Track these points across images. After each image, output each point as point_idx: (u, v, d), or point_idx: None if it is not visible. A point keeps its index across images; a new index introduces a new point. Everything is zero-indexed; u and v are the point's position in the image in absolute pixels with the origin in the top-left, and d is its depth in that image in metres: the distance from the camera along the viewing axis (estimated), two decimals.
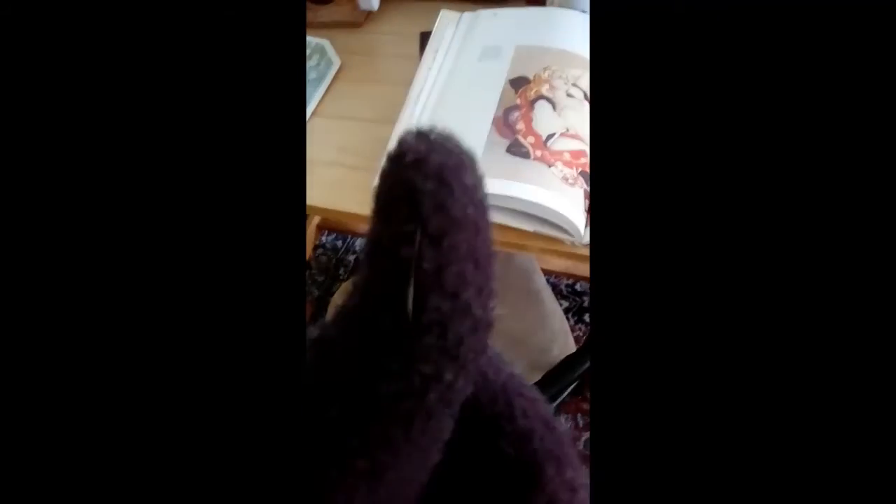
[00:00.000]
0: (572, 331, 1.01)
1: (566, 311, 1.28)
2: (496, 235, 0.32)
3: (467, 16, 0.78)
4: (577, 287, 1.39)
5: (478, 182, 0.20)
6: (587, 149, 0.63)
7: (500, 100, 0.68)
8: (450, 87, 0.71)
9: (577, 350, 0.85)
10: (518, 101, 0.67)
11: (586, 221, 0.60)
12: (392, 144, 0.18)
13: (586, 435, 1.02)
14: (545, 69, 0.69)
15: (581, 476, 0.32)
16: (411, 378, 0.21)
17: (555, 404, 0.70)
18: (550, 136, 0.65)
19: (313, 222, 1.59)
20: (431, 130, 0.19)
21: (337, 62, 0.84)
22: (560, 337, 0.80)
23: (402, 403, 0.21)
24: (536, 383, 0.69)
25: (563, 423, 0.31)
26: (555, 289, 1.30)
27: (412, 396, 0.22)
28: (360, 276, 0.23)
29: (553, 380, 0.69)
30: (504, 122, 0.66)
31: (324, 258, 1.60)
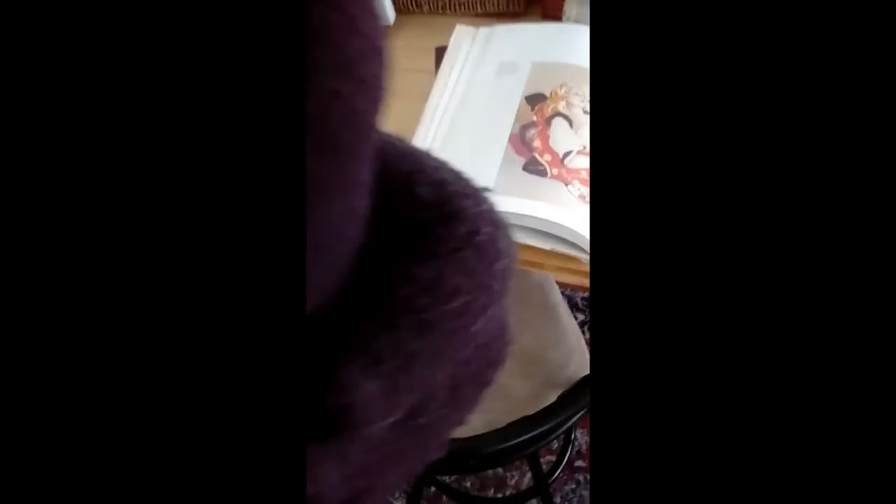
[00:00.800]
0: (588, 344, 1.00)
1: (581, 324, 1.27)
2: None
3: (483, 31, 0.78)
4: None
5: None
6: None
7: (517, 117, 0.67)
8: (466, 104, 0.71)
9: None
10: (534, 118, 0.67)
11: None
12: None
13: None
14: (562, 85, 0.68)
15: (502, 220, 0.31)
16: (310, 96, 0.20)
17: (572, 421, 0.70)
18: (567, 154, 0.64)
19: None
20: None
21: None
22: (576, 354, 0.79)
23: (312, 123, 0.21)
24: (554, 403, 0.69)
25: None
26: (570, 301, 1.29)
27: (315, 117, 0.21)
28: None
29: (572, 398, 0.68)
30: (520, 140, 0.66)
31: None
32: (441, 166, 0.34)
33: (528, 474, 1.18)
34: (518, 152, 0.65)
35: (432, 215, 0.31)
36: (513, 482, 1.21)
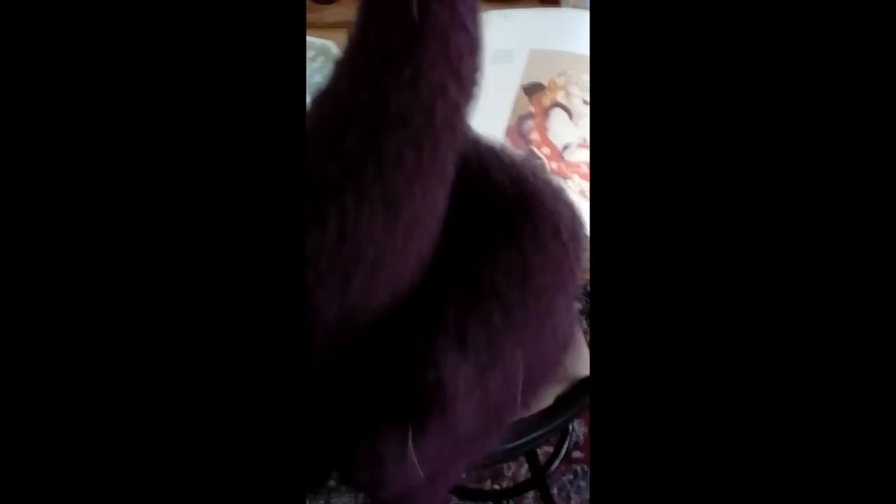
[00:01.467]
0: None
1: (581, 311, 1.26)
2: None
3: None
4: None
5: None
6: None
7: (514, 107, 0.65)
8: None
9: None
10: (532, 109, 0.64)
11: None
12: None
13: None
14: (561, 74, 0.66)
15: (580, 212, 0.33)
16: (420, 88, 0.22)
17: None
18: (566, 147, 0.62)
19: None
20: None
21: None
22: (575, 353, 0.77)
23: (412, 120, 0.22)
24: (553, 405, 0.67)
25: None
26: None
27: (421, 110, 0.22)
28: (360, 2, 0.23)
29: (571, 399, 0.67)
30: (518, 132, 0.63)
31: None
32: (514, 158, 0.34)
33: (526, 466, 1.17)
34: (515, 145, 0.62)
35: (511, 204, 0.31)
36: (510, 474, 1.20)
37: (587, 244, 0.32)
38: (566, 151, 0.61)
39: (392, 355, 0.28)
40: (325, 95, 0.25)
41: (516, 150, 0.37)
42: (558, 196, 0.33)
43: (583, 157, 0.61)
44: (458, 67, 0.23)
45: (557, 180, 0.34)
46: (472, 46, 0.24)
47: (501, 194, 0.32)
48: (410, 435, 0.27)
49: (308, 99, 0.78)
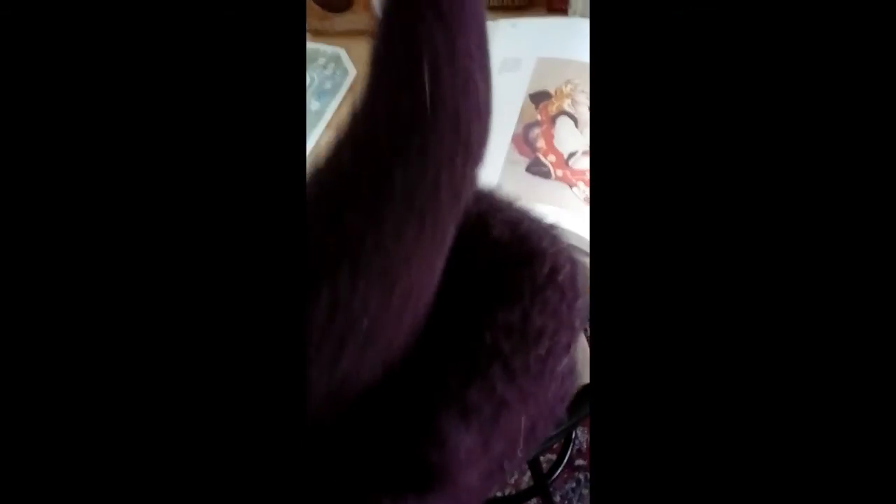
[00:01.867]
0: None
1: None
2: None
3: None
4: None
5: None
6: None
7: (520, 115, 0.65)
8: None
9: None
10: (539, 117, 0.65)
11: None
12: None
13: None
14: (567, 83, 0.66)
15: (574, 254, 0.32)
16: (426, 162, 0.21)
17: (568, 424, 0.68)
18: (572, 155, 0.62)
19: None
20: None
21: (353, 72, 0.82)
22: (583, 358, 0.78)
23: (416, 193, 0.21)
24: None
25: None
26: None
27: (427, 184, 0.21)
28: (371, 65, 0.23)
29: (572, 408, 0.67)
30: (524, 140, 0.64)
31: None
32: (511, 204, 0.33)
33: (528, 473, 1.17)
34: (521, 153, 0.63)
35: (510, 255, 0.31)
36: (512, 481, 1.20)
37: (586, 285, 0.32)
38: (572, 159, 0.62)
39: (388, 428, 0.27)
40: (325, 165, 0.24)
41: (509, 194, 0.35)
42: (554, 237, 0.33)
43: (588, 164, 0.62)
44: (467, 137, 0.22)
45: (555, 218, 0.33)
46: (481, 112, 0.23)
47: (498, 242, 0.31)
48: None
49: (315, 104, 0.78)
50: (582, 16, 0.74)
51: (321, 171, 0.24)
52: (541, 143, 0.63)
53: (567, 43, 0.70)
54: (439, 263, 0.26)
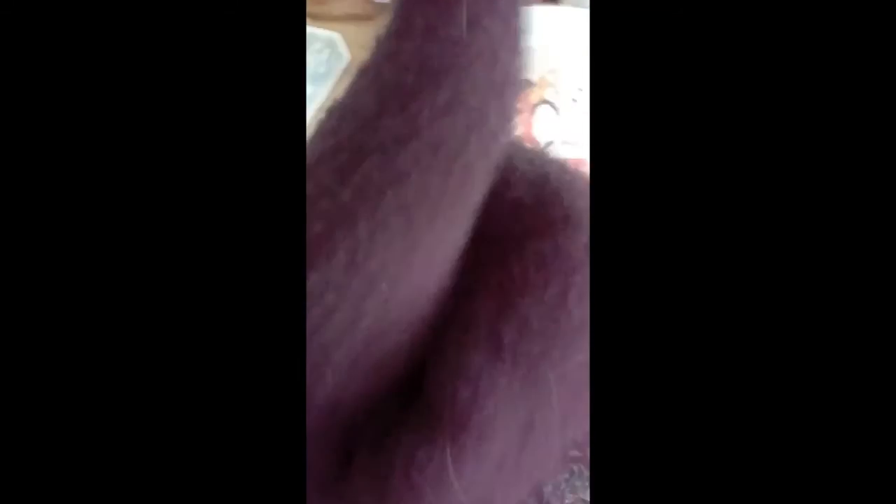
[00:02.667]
0: None
1: None
2: None
3: None
4: None
5: None
6: (587, 157, 0.60)
7: None
8: None
9: None
10: (519, 106, 0.65)
11: None
12: None
13: None
14: (551, 72, 0.66)
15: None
16: (457, 115, 0.20)
17: None
18: (549, 144, 0.62)
19: None
20: None
21: (348, 56, 0.83)
22: None
23: (443, 148, 0.20)
24: None
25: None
26: None
27: (455, 139, 0.20)
28: (397, 8, 0.21)
29: None
30: None
31: None
32: (535, 156, 0.31)
33: None
34: None
35: (530, 222, 0.28)
36: None
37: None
38: (549, 148, 0.62)
39: (416, 379, 0.25)
40: (342, 109, 0.22)
41: (534, 142, 0.32)
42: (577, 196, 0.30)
43: (566, 154, 0.62)
44: (501, 91, 0.21)
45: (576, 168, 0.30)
46: (518, 66, 0.21)
47: (520, 204, 0.28)
48: (449, 456, 0.24)
49: (308, 88, 0.80)
50: (574, 5, 0.74)
51: (337, 117, 0.22)
52: (520, 131, 0.63)
53: (553, 31, 0.70)
54: (466, 226, 0.24)
